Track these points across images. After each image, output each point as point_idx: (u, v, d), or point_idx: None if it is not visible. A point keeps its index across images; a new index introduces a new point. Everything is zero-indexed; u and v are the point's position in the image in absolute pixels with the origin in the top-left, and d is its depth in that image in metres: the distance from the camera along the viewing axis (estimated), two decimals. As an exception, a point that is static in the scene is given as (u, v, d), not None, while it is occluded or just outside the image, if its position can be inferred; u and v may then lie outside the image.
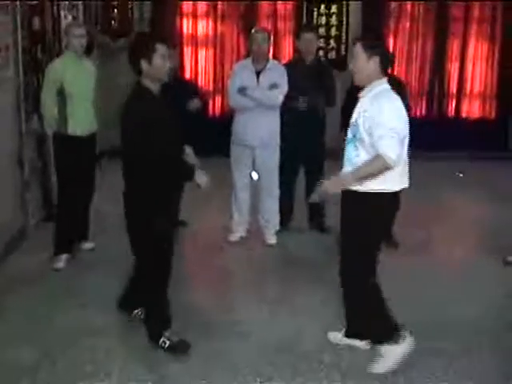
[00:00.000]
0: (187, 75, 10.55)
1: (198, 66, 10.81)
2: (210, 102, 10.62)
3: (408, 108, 6.34)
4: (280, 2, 10.77)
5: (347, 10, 10.76)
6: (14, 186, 6.27)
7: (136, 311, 4.70)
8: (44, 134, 6.45)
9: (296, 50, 7.79)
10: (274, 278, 5.78)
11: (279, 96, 6.04)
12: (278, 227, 6.56)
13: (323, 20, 10.74)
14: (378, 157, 3.81)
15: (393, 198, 4.09)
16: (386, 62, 4.01)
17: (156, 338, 4.32)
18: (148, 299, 4.38)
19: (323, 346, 4.43)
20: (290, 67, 6.33)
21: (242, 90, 6.03)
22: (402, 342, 4.08)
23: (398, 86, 6.31)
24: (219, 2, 10.69)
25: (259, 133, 6.08)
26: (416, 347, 4.14)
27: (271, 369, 4.13)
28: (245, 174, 6.38)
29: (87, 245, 6.20)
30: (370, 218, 4.01)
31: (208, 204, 7.23)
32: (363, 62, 3.93)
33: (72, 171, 5.75)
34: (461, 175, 9.82)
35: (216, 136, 7.97)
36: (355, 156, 3.97)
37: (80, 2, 8.52)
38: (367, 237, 4.05)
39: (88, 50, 6.20)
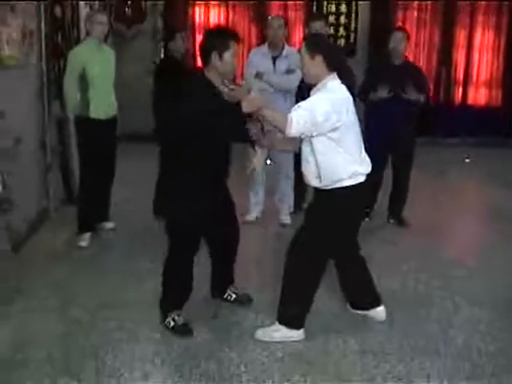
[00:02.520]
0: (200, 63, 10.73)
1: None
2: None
3: (425, 89, 6.58)
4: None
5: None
6: (37, 169, 6.48)
7: (226, 294, 4.84)
8: (65, 118, 6.66)
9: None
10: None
11: (295, 81, 6.21)
12: (292, 208, 6.78)
13: (333, 8, 10.91)
14: (287, 118, 3.83)
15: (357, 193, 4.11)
16: (333, 58, 3.98)
17: (163, 316, 4.43)
18: (163, 278, 4.45)
19: (335, 318, 4.66)
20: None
21: (259, 75, 6.20)
22: (298, 330, 4.26)
23: (414, 70, 6.57)
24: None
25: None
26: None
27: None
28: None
29: (108, 224, 6.42)
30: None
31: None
32: (307, 62, 3.98)
33: (94, 153, 5.94)
34: (467, 160, 10.03)
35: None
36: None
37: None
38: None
39: (104, 37, 6.39)
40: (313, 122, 3.83)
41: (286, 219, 6.70)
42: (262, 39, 8.02)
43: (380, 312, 4.60)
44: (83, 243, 5.95)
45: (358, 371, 3.95)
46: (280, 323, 4.28)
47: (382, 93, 6.29)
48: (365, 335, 4.39)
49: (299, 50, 6.57)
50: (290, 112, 3.98)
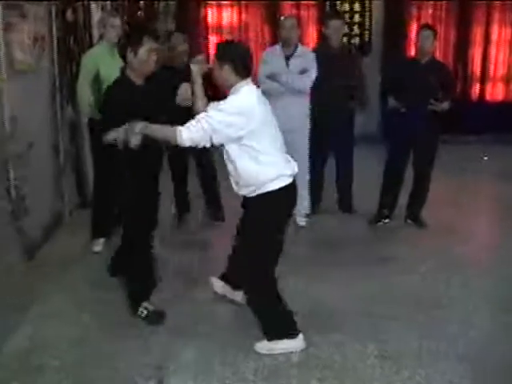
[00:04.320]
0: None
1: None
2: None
3: (452, 85, 6.64)
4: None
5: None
6: (50, 173, 6.44)
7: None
8: (77, 121, 6.62)
9: (321, 37, 7.90)
10: (304, 258, 5.91)
11: (308, 81, 6.17)
12: (308, 210, 6.70)
13: (346, 7, 10.84)
14: (176, 130, 3.90)
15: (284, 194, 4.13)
16: (241, 65, 3.97)
17: (134, 309, 4.53)
18: (127, 273, 4.65)
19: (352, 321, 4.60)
20: (317, 54, 6.42)
21: (272, 76, 6.15)
22: (294, 338, 4.16)
23: (441, 69, 6.47)
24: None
25: (289, 117, 6.18)
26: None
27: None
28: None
29: (123, 229, 6.35)
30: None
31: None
32: (217, 71, 4.00)
33: (108, 157, 5.88)
34: (486, 158, 9.92)
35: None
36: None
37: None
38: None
39: (118, 40, 6.35)
40: (211, 129, 3.84)
41: (302, 221, 6.62)
42: (276, 39, 7.92)
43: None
44: (97, 248, 5.91)
45: (377, 376, 3.88)
46: (270, 340, 4.17)
47: (395, 105, 6.24)
48: (383, 338, 4.32)
49: (313, 50, 6.59)
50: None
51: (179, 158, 6.41)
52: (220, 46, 4.13)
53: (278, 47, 6.40)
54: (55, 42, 6.46)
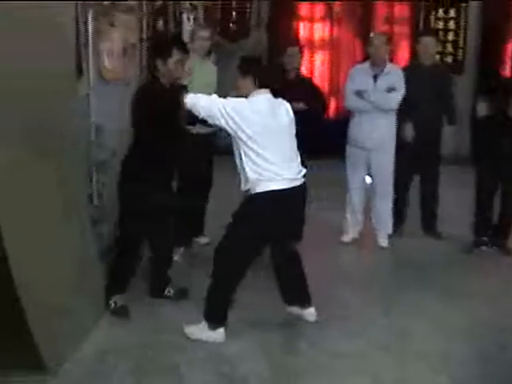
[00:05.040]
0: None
1: (315, 68, 10.91)
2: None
3: None
4: (397, 5, 10.74)
5: (466, 15, 10.60)
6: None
7: (166, 291, 5.08)
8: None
9: (414, 55, 7.76)
10: (384, 279, 5.77)
11: (396, 100, 6.06)
12: (390, 231, 6.53)
13: (440, 25, 10.62)
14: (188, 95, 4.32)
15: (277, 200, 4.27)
16: (264, 77, 4.34)
17: (107, 299, 4.76)
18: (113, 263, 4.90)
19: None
20: (408, 71, 6.30)
21: (359, 93, 6.06)
22: (215, 330, 4.37)
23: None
24: (336, 6, 10.75)
25: (375, 135, 6.11)
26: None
27: (377, 365, 4.15)
28: (359, 176, 6.39)
29: (203, 239, 6.37)
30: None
31: (320, 205, 7.24)
32: (240, 81, 4.37)
33: (191, 167, 5.90)
34: None
35: (331, 138, 8.02)
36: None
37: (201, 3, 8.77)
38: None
39: (207, 52, 6.39)
40: (215, 105, 4.20)
41: (384, 242, 6.47)
42: (367, 55, 7.86)
43: (311, 313, 4.63)
44: (176, 258, 5.89)
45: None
46: (204, 317, 4.38)
47: (481, 110, 5.98)
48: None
49: (404, 67, 6.47)
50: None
51: None
52: (242, 59, 4.51)
53: (366, 64, 6.32)
54: (145, 51, 6.52)
